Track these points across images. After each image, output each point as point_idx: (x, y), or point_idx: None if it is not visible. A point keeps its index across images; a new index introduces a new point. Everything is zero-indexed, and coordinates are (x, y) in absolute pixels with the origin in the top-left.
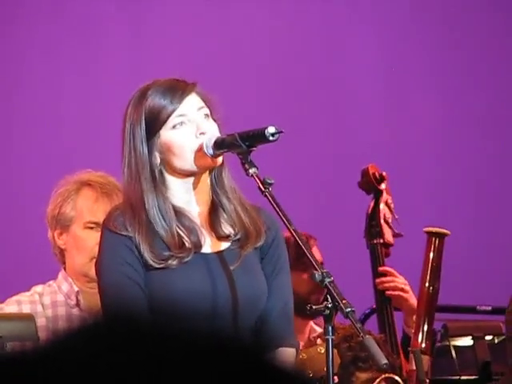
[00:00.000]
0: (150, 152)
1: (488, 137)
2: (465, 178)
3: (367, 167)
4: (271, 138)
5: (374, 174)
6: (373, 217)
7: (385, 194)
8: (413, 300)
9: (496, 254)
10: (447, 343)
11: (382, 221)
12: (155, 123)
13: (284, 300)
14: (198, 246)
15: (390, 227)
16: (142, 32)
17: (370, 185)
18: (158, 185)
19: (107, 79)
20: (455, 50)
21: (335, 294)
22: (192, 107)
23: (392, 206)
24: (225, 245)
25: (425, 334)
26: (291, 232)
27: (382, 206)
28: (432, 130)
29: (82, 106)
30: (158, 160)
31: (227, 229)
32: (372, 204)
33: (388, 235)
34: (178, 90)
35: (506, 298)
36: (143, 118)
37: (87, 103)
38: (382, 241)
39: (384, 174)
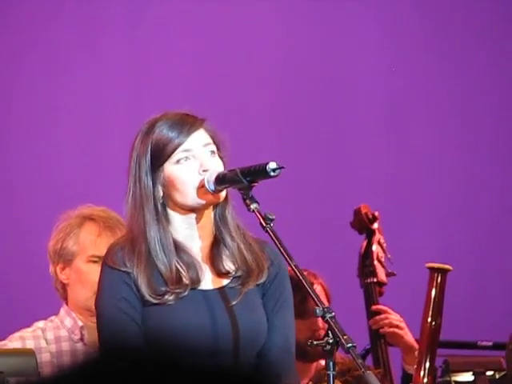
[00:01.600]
0: (154, 185)
1: (486, 171)
2: (464, 214)
3: (359, 207)
4: (272, 174)
5: (366, 213)
6: (366, 256)
7: (377, 233)
8: (408, 336)
9: (496, 289)
10: (448, 379)
11: (376, 261)
12: (160, 156)
13: (284, 336)
14: (196, 281)
15: (382, 266)
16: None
17: (363, 224)
18: (161, 218)
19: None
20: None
21: (336, 330)
22: (198, 143)
23: (384, 245)
24: (225, 281)
25: (427, 370)
26: (292, 268)
27: (374, 245)
28: (428, 164)
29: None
30: (161, 193)
31: (228, 265)
32: (365, 244)
33: (381, 274)
34: (186, 124)
35: (506, 333)
36: (149, 149)
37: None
38: (375, 280)
39: (376, 213)
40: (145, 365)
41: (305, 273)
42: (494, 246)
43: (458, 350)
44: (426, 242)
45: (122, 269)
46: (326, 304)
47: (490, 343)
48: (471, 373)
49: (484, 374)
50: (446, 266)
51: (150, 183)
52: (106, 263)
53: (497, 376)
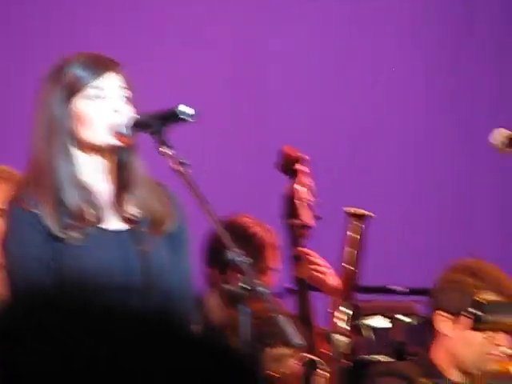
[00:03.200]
0: (64, 117)
1: (411, 122)
2: (389, 162)
3: (284, 148)
4: (182, 116)
5: (291, 155)
6: (290, 198)
7: (303, 175)
8: (333, 281)
9: (415, 237)
10: (363, 324)
11: (300, 202)
12: (73, 89)
13: (186, 277)
14: (100, 220)
15: (308, 209)
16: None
17: (288, 166)
18: (69, 153)
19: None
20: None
21: (249, 274)
22: (113, 84)
23: (312, 188)
24: (131, 225)
25: (344, 314)
26: (206, 213)
27: (299, 187)
28: (351, 111)
29: None
30: (70, 128)
31: (134, 210)
32: (289, 185)
33: (306, 217)
34: (100, 63)
35: (422, 279)
36: (62, 81)
37: None
38: (299, 222)
39: (301, 155)
40: (55, 308)
41: (260, 227)
42: (416, 194)
43: (374, 296)
44: (352, 186)
45: (29, 209)
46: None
47: (406, 289)
48: (386, 318)
49: (399, 319)
50: (367, 212)
51: (61, 114)
52: (12, 205)
53: (411, 321)
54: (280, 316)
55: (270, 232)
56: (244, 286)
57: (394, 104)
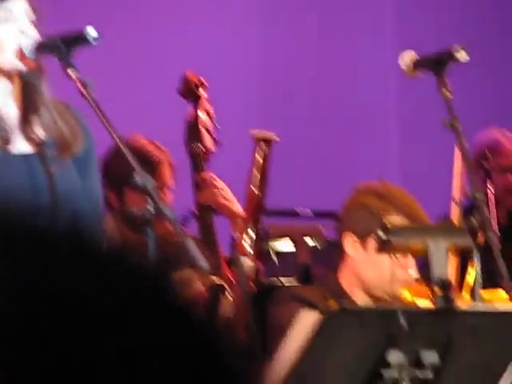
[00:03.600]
0: None
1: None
2: (297, 86)
3: (185, 74)
4: (88, 39)
5: (192, 80)
6: (192, 123)
7: (205, 101)
8: (235, 206)
9: (322, 160)
10: (269, 247)
11: (202, 127)
12: None
13: (94, 199)
14: (7, 143)
15: (209, 134)
16: None
17: (189, 92)
18: None
19: None
20: None
21: (156, 198)
22: (20, 7)
23: (212, 114)
24: (36, 148)
25: (250, 238)
26: (114, 137)
27: (201, 112)
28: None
29: None
30: None
31: (40, 133)
32: (191, 111)
33: (208, 141)
34: None
35: (327, 202)
36: None
37: None
38: (201, 146)
39: (203, 80)
40: None
41: (153, 145)
42: (324, 117)
43: (280, 219)
44: (252, 111)
45: None
46: (171, 181)
47: (310, 212)
48: (291, 240)
49: (304, 241)
50: (272, 136)
51: None
52: None
53: (316, 244)
54: (186, 239)
55: (164, 150)
56: (150, 209)
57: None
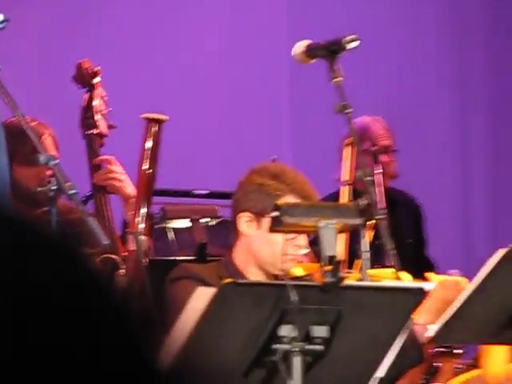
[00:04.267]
0: None
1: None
2: (183, 69)
3: (81, 62)
4: None
5: (87, 68)
6: (87, 109)
7: (99, 88)
8: (128, 186)
9: (220, 143)
10: (165, 225)
11: (97, 113)
12: None
13: (3, 180)
14: None
15: (104, 119)
16: None
17: (84, 79)
18: None
19: None
20: None
21: (59, 177)
22: None
23: (106, 98)
24: None
25: (143, 216)
26: (18, 117)
27: (96, 99)
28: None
29: None
30: None
31: None
32: (86, 97)
33: (102, 126)
34: None
35: (222, 183)
36: None
37: None
38: (96, 131)
39: (97, 69)
40: None
41: (34, 123)
42: (208, 103)
43: (175, 199)
44: (149, 96)
45: None
46: (55, 153)
47: (205, 192)
48: (187, 219)
49: (199, 220)
50: (162, 116)
51: None
52: None
53: (212, 223)
54: (88, 217)
55: (45, 124)
56: (53, 187)
57: None
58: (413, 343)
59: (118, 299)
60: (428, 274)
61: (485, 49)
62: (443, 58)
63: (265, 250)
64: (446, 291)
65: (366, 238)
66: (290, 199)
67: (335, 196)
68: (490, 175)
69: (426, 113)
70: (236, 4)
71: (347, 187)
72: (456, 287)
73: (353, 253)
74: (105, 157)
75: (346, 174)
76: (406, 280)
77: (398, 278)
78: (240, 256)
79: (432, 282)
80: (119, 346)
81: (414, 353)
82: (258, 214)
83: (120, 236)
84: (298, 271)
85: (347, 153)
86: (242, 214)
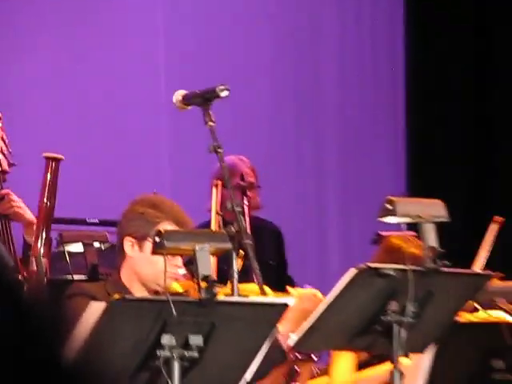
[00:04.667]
0: None
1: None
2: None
3: None
4: None
5: None
6: None
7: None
8: (28, 214)
9: (105, 177)
10: (62, 249)
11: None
12: None
13: None
14: None
15: (5, 157)
16: None
17: None
18: None
19: None
20: None
21: None
22: None
23: (6, 140)
24: None
25: (43, 240)
26: None
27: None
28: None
29: None
30: None
31: None
32: None
33: (3, 164)
34: None
35: (111, 212)
36: None
37: None
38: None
39: None
40: None
41: None
42: (98, 140)
43: (71, 226)
44: (52, 134)
45: None
46: None
47: (97, 220)
48: (81, 244)
49: (92, 245)
50: (59, 156)
51: None
52: None
53: (103, 247)
54: None
55: None
56: None
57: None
58: (276, 349)
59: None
60: (289, 288)
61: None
62: (301, 111)
63: (147, 270)
64: (304, 303)
65: (235, 260)
66: (167, 225)
67: (207, 224)
68: (341, 204)
69: (285, 154)
70: (120, 58)
71: (219, 216)
72: (313, 299)
73: (221, 272)
74: (4, 190)
75: (217, 204)
76: (268, 293)
77: (262, 291)
78: (125, 275)
79: (292, 296)
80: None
81: (277, 356)
82: (140, 239)
83: (20, 258)
84: (177, 287)
85: (217, 188)
86: (126, 239)
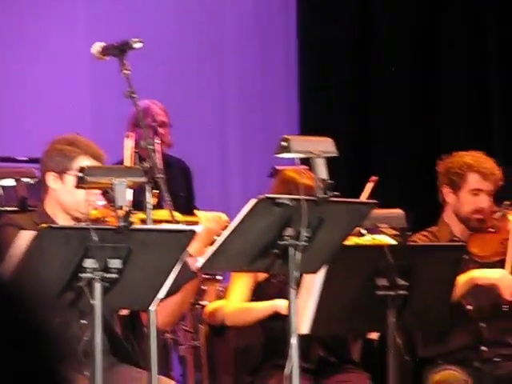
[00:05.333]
0: None
1: None
2: None
3: None
4: None
5: None
6: None
7: None
8: None
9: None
10: None
11: None
12: None
13: None
14: None
15: None
16: None
17: None
18: None
19: None
20: None
21: None
22: None
23: None
24: None
25: None
26: None
27: None
28: None
29: None
30: None
31: None
32: None
33: None
34: None
35: (38, 151)
36: None
37: None
38: None
39: None
40: None
41: None
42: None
43: (4, 163)
44: None
45: None
46: None
47: (25, 158)
48: (13, 179)
49: (21, 180)
50: None
51: None
52: None
53: (32, 182)
54: None
55: None
56: None
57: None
58: (186, 269)
59: None
60: (196, 212)
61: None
62: (204, 59)
63: (69, 199)
64: (210, 224)
65: (149, 192)
66: (84, 159)
67: (122, 161)
68: (242, 142)
69: (193, 97)
70: (41, 13)
71: (134, 153)
72: (218, 220)
73: (138, 203)
74: None
75: (129, 145)
76: (178, 217)
77: (172, 216)
78: (50, 206)
79: (199, 218)
80: None
81: (186, 276)
82: (60, 172)
83: None
84: (96, 214)
85: (130, 126)
86: (48, 173)
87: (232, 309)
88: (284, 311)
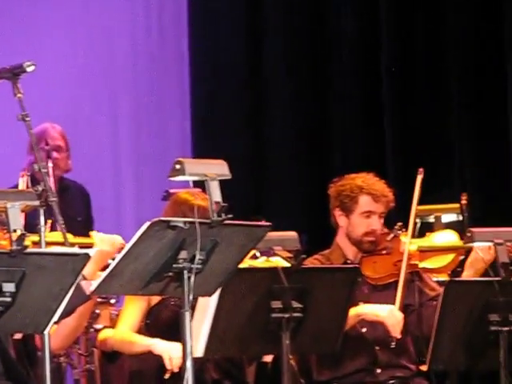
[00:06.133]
0: None
1: None
2: None
3: None
4: None
5: None
6: None
7: None
8: None
9: None
10: None
11: None
12: None
13: None
14: None
15: None
16: None
17: None
18: None
19: None
20: None
21: None
22: None
23: None
24: None
25: None
26: None
27: None
28: None
29: None
30: None
31: None
32: None
33: None
34: None
35: None
36: None
37: None
38: None
39: None
40: None
41: None
42: None
43: None
44: None
45: None
46: None
47: None
48: None
49: None
50: None
51: None
52: None
53: None
54: None
55: None
56: None
57: None
58: (80, 293)
59: None
60: (91, 233)
61: None
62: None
63: None
64: (104, 246)
65: (42, 215)
66: None
67: (17, 186)
68: (135, 168)
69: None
70: None
71: (26, 177)
72: (112, 242)
73: (31, 226)
74: None
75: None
76: (70, 239)
77: (65, 238)
78: None
79: (94, 239)
80: None
81: (80, 299)
82: None
83: None
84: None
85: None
86: None
87: (118, 338)
88: (158, 352)
